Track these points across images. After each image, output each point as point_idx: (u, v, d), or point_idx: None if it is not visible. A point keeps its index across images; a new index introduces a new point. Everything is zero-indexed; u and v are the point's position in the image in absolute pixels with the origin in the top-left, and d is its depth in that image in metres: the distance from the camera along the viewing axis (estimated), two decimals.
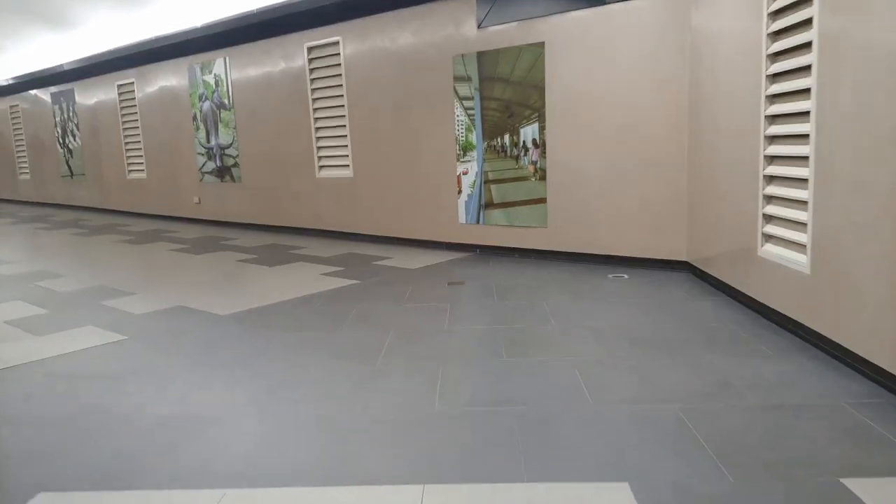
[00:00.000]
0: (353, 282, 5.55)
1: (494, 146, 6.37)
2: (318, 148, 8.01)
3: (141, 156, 10.94)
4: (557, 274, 5.54)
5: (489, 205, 6.47)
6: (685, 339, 3.68)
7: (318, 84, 7.84)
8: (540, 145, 6.03)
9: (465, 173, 6.62)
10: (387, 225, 7.46)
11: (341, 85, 7.57)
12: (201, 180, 9.81)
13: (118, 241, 8.58)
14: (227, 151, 9.27)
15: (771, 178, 3.96)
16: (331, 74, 7.67)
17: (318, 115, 7.91)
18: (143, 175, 11.01)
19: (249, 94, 8.75)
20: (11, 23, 10.82)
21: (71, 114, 12.28)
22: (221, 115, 9.21)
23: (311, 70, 7.85)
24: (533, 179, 6.12)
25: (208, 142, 9.52)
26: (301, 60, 7.91)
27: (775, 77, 3.87)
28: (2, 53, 13.28)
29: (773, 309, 3.91)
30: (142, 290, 5.53)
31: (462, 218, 6.70)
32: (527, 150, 6.14)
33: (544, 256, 6.16)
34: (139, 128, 10.79)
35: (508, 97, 6.19)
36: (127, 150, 11.18)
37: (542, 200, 6.08)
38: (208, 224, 9.86)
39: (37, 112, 13.40)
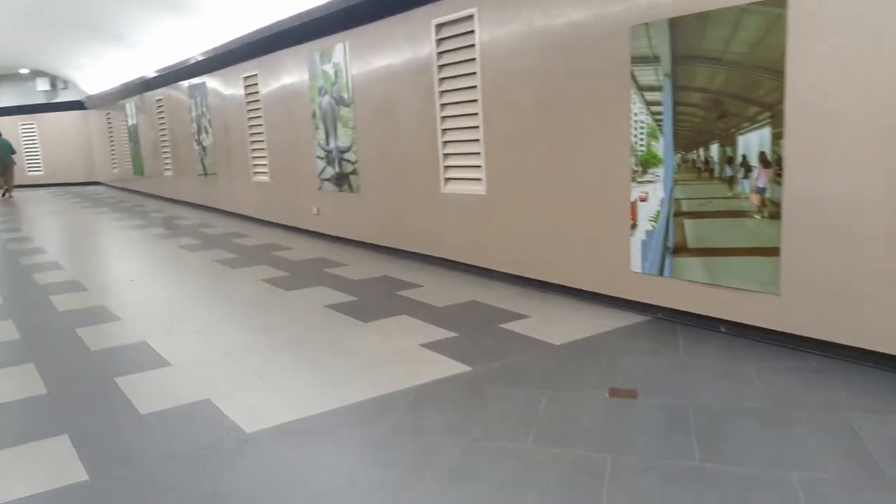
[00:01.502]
0: (462, 368, 3.66)
1: (693, 162, 4.14)
2: (445, 156, 6.20)
3: (265, 156, 9.85)
4: (809, 385, 3.22)
5: (680, 249, 4.26)
6: None
7: (447, 72, 6.01)
8: (772, 163, 3.73)
9: (643, 199, 4.46)
10: (527, 262, 5.47)
11: (475, 73, 5.68)
12: (320, 188, 8.44)
13: (218, 261, 7.39)
14: (345, 156, 7.77)
15: None
16: (463, 59, 5.79)
17: (447, 112, 6.09)
18: (266, 178, 9.93)
19: (369, 86, 7.15)
20: (136, 15, 10.26)
21: (204, 109, 11.58)
22: (340, 112, 7.72)
23: (440, 54, 6.04)
24: (758, 216, 3.83)
25: (327, 144, 8.09)
26: (428, 41, 6.12)
27: None
28: (131, 49, 13.08)
29: None
30: (180, 360, 4.05)
31: (636, 264, 4.55)
32: (749, 169, 3.85)
33: (774, 340, 3.84)
34: (263, 125, 9.69)
35: (719, 87, 3.94)
36: (252, 149, 10.17)
37: (774, 251, 3.76)
38: (327, 240, 8.46)
39: (177, 107, 12.96)
